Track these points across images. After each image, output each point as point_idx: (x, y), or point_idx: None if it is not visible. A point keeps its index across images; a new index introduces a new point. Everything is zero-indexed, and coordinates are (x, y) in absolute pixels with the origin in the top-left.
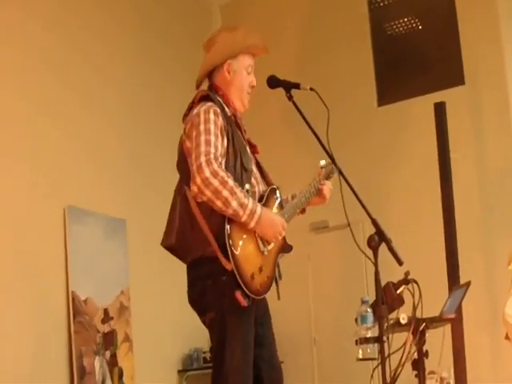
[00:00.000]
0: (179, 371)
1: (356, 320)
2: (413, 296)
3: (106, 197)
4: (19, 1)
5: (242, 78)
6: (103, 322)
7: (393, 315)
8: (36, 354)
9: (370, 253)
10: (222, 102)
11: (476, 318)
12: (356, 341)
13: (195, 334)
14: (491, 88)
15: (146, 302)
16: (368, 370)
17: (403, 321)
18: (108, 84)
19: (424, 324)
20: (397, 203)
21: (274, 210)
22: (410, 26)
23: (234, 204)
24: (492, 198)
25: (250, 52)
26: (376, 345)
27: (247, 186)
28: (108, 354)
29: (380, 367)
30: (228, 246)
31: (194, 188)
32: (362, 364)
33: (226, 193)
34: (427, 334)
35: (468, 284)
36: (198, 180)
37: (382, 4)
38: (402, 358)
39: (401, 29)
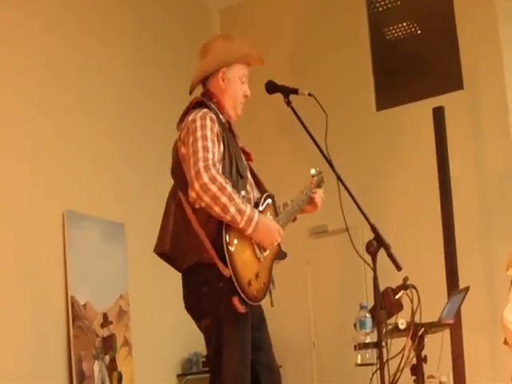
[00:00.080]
0: (178, 375)
1: (355, 325)
2: (411, 301)
3: (104, 201)
4: (19, 1)
5: (237, 88)
6: (102, 326)
7: (391, 320)
8: (35, 358)
9: (368, 258)
10: (216, 108)
11: (475, 323)
12: (355, 346)
13: (194, 338)
14: (490, 92)
15: (145, 306)
16: (367, 374)
17: (402, 326)
18: (106, 87)
19: (423, 329)
20: (396, 207)
21: (269, 216)
22: (408, 31)
23: (233, 210)
24: (491, 202)
25: (245, 62)
26: (375, 350)
27: (243, 193)
28: (107, 358)
29: (379, 372)
30: (226, 252)
31: (193, 194)
32: (361, 368)
33: (224, 199)
34: (426, 339)
35: (467, 289)
36: (197, 186)
37: (380, 9)
38: (400, 363)
39: (399, 33)
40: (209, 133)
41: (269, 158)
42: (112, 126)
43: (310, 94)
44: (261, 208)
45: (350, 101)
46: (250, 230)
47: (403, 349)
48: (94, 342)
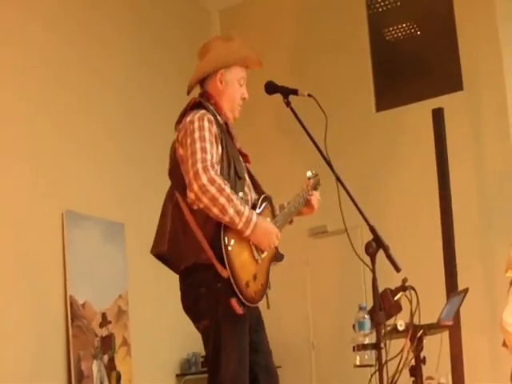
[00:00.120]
0: (177, 375)
1: (353, 326)
2: (410, 303)
3: (104, 201)
4: (18, 2)
5: (234, 90)
6: (101, 326)
7: (390, 322)
8: (34, 357)
9: (367, 259)
10: (214, 109)
11: (474, 324)
12: (353, 347)
13: (193, 339)
14: (489, 93)
15: (144, 306)
16: (366, 374)
17: (401, 327)
18: (106, 87)
19: (421, 331)
20: (395, 208)
21: (267, 219)
22: (408, 32)
23: (231, 211)
24: (491, 202)
25: (244, 64)
26: (373, 351)
27: (241, 194)
28: (106, 358)
29: (378, 374)
30: (224, 253)
31: (191, 195)
32: (360, 369)
33: (222, 200)
34: (425, 341)
35: (466, 291)
36: (196, 187)
37: (380, 9)
38: (399, 364)
39: (399, 34)
40: (207, 134)
41: (267, 160)
42: (111, 126)
43: (309, 95)
44: (258, 210)
45: (349, 101)
46: (248, 232)
47: (402, 350)
48: (92, 341)
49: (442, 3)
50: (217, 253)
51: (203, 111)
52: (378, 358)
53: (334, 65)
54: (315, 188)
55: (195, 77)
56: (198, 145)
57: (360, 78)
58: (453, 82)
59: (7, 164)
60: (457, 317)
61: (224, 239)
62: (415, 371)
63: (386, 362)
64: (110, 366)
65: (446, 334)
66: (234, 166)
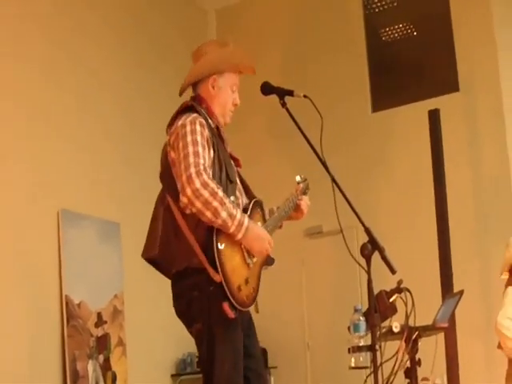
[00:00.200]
0: (172, 375)
1: (349, 328)
2: (405, 305)
3: (99, 200)
4: (15, 4)
5: (227, 96)
6: (97, 325)
7: (385, 323)
8: (29, 357)
9: (363, 261)
10: (205, 113)
11: (470, 326)
12: (348, 349)
13: (188, 339)
14: (486, 95)
15: (140, 306)
16: (361, 374)
17: (396, 329)
18: (103, 88)
19: (417, 332)
20: (391, 209)
21: (258, 223)
22: (405, 32)
23: (224, 214)
24: (486, 205)
25: (236, 70)
26: (368, 353)
27: (232, 198)
28: (101, 357)
29: (373, 376)
30: (216, 257)
31: (184, 199)
32: (355, 370)
33: (215, 203)
34: (420, 343)
35: (461, 293)
36: (189, 191)
37: (377, 10)
38: (394, 366)
39: (396, 35)
40: (199, 138)
41: (257, 164)
42: (108, 126)
43: (305, 96)
44: (249, 214)
45: (345, 102)
46: (240, 235)
47: (397, 352)
48: (88, 341)
49: (439, 4)
50: (209, 257)
51: (195, 115)
52: (373, 359)
53: (330, 65)
54: (304, 193)
55: (188, 80)
56: (190, 149)
57: (356, 79)
58: (449, 83)
59: (3, 164)
60: (452, 319)
61: (216, 243)
62: (410, 373)
63: (381, 363)
64: (106, 366)
65: (441, 336)
66: (225, 170)
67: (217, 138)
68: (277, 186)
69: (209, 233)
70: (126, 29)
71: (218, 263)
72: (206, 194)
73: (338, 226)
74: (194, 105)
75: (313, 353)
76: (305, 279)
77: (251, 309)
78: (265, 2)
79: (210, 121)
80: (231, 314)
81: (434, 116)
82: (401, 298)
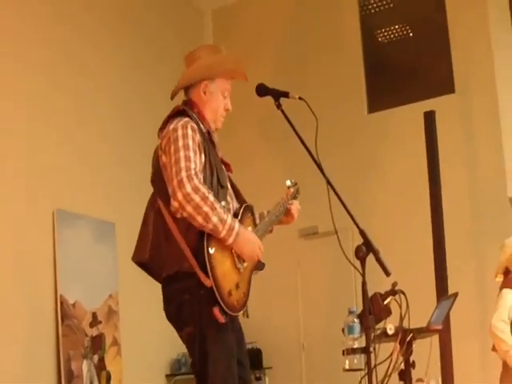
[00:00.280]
0: (167, 375)
1: (343, 330)
2: (400, 307)
3: (95, 200)
4: (12, 5)
5: (218, 101)
6: (91, 325)
7: (380, 326)
8: (24, 357)
9: (358, 263)
10: (197, 118)
11: (465, 328)
12: (343, 351)
13: None
14: (481, 96)
15: (135, 307)
16: (356, 375)
17: (390, 331)
18: (99, 89)
19: (411, 335)
20: (386, 211)
21: (249, 228)
22: (400, 34)
23: (215, 219)
24: (482, 206)
25: (228, 77)
26: (363, 355)
27: (223, 203)
28: (96, 357)
29: (367, 378)
30: (207, 261)
31: (175, 204)
32: (349, 372)
33: (206, 208)
34: (414, 345)
35: (455, 295)
36: (180, 196)
37: (373, 11)
38: (388, 368)
39: (392, 36)
40: (190, 142)
41: (249, 167)
42: (105, 127)
43: (300, 98)
44: (239, 219)
45: (341, 103)
46: (230, 240)
47: (391, 354)
48: (82, 341)
49: (435, 6)
50: (200, 261)
51: (186, 119)
52: (368, 362)
53: (326, 66)
54: (295, 197)
55: (180, 84)
56: (181, 153)
57: (352, 80)
58: (445, 85)
59: None
60: (447, 321)
61: (207, 248)
62: (404, 375)
63: (376, 366)
64: (100, 366)
65: (435, 338)
66: (216, 175)
67: (208, 142)
68: (268, 189)
69: (200, 237)
70: (122, 30)
71: (208, 268)
72: (197, 198)
73: (333, 227)
74: (185, 109)
75: (308, 353)
76: (300, 280)
77: (240, 315)
78: (261, 3)
79: (201, 125)
80: (221, 318)
81: (429, 118)
82: (395, 300)
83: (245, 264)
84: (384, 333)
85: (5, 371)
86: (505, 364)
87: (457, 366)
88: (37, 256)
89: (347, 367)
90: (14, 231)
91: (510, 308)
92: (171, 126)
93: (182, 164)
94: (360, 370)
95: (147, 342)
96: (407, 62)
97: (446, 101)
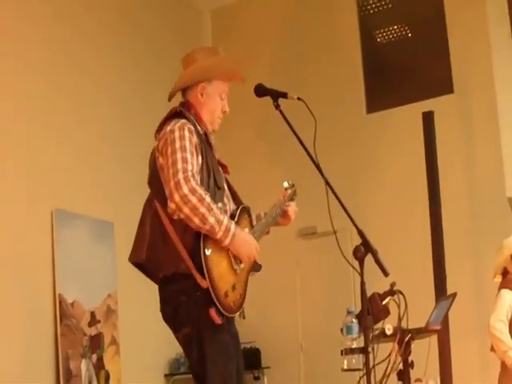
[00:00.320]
0: (166, 375)
1: (341, 330)
2: (398, 307)
3: (94, 200)
4: (12, 6)
5: (215, 103)
6: (90, 325)
7: (378, 326)
8: (22, 356)
9: (356, 263)
10: (194, 119)
11: (463, 328)
12: (341, 351)
13: None
14: (480, 96)
15: (133, 306)
16: (355, 375)
17: (389, 331)
18: (99, 90)
19: (410, 335)
20: (384, 211)
21: (245, 229)
22: (399, 34)
23: (212, 220)
24: (480, 206)
25: (226, 79)
26: (361, 355)
27: (220, 205)
28: (94, 357)
29: (365, 378)
30: (203, 263)
31: (172, 205)
32: (348, 371)
33: (203, 209)
34: (413, 345)
35: (454, 295)
36: (177, 197)
37: (372, 11)
38: (387, 368)
39: (390, 36)
40: (187, 144)
41: (245, 169)
42: (104, 127)
43: (299, 99)
44: (236, 220)
45: (340, 103)
46: (227, 241)
47: (390, 354)
48: (81, 340)
49: (434, 6)
50: (196, 263)
51: (184, 120)
52: (366, 362)
53: (325, 66)
54: (292, 199)
55: (177, 86)
56: (178, 155)
57: (351, 80)
58: (443, 85)
59: None
60: (445, 321)
61: (203, 249)
62: (403, 375)
63: (374, 366)
64: (99, 365)
65: (434, 338)
66: (213, 176)
67: (205, 144)
68: (265, 191)
69: (196, 238)
70: (121, 30)
71: (205, 269)
72: (193, 199)
73: (332, 227)
74: (182, 111)
75: (306, 353)
76: (299, 280)
77: (236, 316)
78: (260, 3)
79: (198, 127)
80: (218, 320)
81: (428, 118)
82: (394, 300)
83: (241, 265)
84: (382, 333)
85: (3, 371)
86: (503, 364)
87: (455, 366)
88: (35, 255)
89: (345, 367)
90: (12, 230)
91: (508, 308)
92: (168, 128)
93: (179, 166)
94: (358, 370)
95: (146, 341)
96: (406, 63)
97: (444, 101)
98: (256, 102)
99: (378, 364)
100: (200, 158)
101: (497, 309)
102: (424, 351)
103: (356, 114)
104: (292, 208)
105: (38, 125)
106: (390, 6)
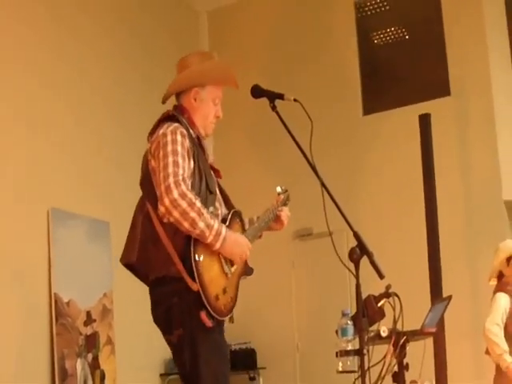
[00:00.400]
0: (161, 375)
1: (336, 332)
2: (394, 309)
3: (89, 199)
4: (8, 8)
5: (209, 108)
6: (86, 324)
7: (374, 328)
8: (18, 355)
9: (352, 265)
10: (187, 123)
11: (459, 330)
12: (336, 353)
13: None
14: (477, 99)
15: (129, 305)
16: (350, 375)
17: (384, 333)
18: (96, 91)
19: (405, 337)
20: (380, 213)
21: (237, 233)
22: (396, 36)
23: (202, 225)
24: (476, 209)
25: (219, 84)
26: (356, 357)
27: (211, 209)
28: (90, 356)
29: (360, 380)
30: (194, 266)
31: (162, 209)
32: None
33: (193, 214)
34: (408, 347)
35: (449, 298)
36: (167, 201)
37: (369, 13)
38: (382, 370)
39: (387, 38)
40: (179, 148)
41: (239, 172)
42: (100, 127)
43: (295, 100)
44: (228, 224)
45: (336, 105)
46: (217, 245)
47: (385, 356)
48: (77, 339)
49: (431, 8)
50: (187, 266)
51: (176, 124)
52: (361, 364)
53: (322, 68)
54: (285, 204)
55: (171, 89)
56: (170, 159)
57: (347, 82)
58: (440, 87)
59: None
60: (441, 323)
61: (193, 252)
62: (398, 377)
63: (369, 368)
64: (94, 365)
65: (430, 340)
66: (205, 181)
67: (198, 148)
68: (258, 195)
69: (187, 241)
70: (118, 31)
71: (195, 274)
72: (183, 204)
73: (327, 229)
74: (175, 114)
75: (302, 354)
76: (294, 281)
77: (226, 321)
78: (256, 4)
79: (191, 131)
80: (208, 322)
81: (424, 120)
82: (389, 302)
83: (232, 269)
84: (377, 335)
85: None
86: (498, 367)
87: (451, 368)
88: (31, 254)
89: (340, 369)
90: (8, 230)
91: (503, 312)
92: (161, 131)
93: (170, 170)
94: (353, 372)
95: (141, 341)
96: (403, 65)
97: (441, 103)
98: (250, 105)
99: (372, 366)
100: (192, 162)
101: (492, 312)
102: (419, 353)
103: (352, 116)
104: (285, 213)
105: (34, 125)
106: (387, 7)
